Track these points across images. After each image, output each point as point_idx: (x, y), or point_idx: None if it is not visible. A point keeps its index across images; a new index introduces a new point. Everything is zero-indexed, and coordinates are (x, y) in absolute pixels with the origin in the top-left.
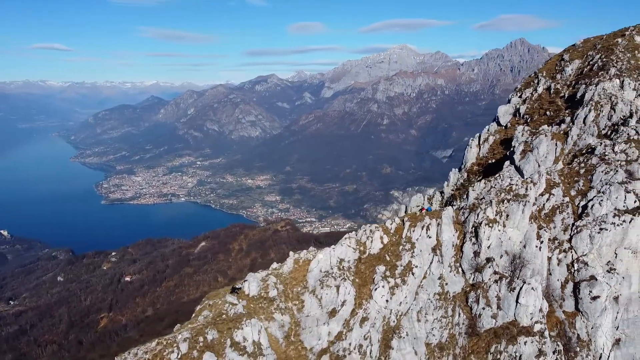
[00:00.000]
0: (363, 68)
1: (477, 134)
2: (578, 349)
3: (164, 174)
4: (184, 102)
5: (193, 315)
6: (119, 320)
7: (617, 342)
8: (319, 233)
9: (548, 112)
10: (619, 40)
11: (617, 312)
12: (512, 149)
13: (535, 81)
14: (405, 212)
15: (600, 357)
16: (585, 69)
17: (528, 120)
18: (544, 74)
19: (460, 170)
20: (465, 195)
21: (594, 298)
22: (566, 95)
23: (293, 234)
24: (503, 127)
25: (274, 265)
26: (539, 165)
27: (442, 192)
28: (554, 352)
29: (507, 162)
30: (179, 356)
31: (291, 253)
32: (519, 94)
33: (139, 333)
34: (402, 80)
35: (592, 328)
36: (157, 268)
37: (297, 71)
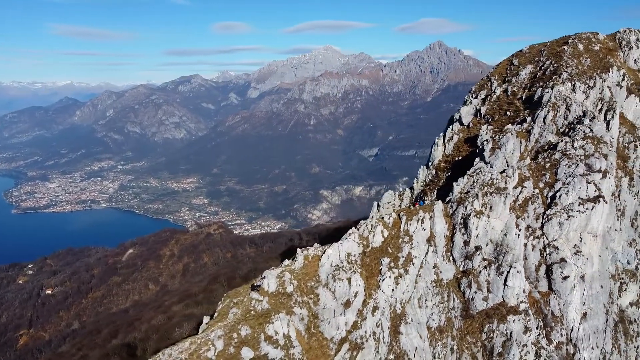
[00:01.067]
0: (289, 69)
1: (442, 133)
2: (553, 324)
3: (82, 180)
4: (102, 103)
5: (216, 314)
6: (42, 336)
7: (584, 315)
8: (253, 235)
9: (508, 113)
10: (565, 48)
11: (584, 289)
12: (481, 146)
13: (488, 84)
14: (378, 208)
15: (572, 330)
16: (539, 73)
17: (489, 120)
18: (496, 77)
19: (428, 167)
20: (435, 191)
21: (565, 278)
22: (523, 97)
23: (227, 237)
24: (466, 127)
25: (286, 262)
26: (506, 161)
27: (411, 189)
28: (537, 328)
29: (477, 159)
30: (216, 353)
31: (299, 250)
32: (474, 96)
33: (76, 347)
34: (328, 81)
35: (563, 305)
36: (81, 279)
37: (221, 71)
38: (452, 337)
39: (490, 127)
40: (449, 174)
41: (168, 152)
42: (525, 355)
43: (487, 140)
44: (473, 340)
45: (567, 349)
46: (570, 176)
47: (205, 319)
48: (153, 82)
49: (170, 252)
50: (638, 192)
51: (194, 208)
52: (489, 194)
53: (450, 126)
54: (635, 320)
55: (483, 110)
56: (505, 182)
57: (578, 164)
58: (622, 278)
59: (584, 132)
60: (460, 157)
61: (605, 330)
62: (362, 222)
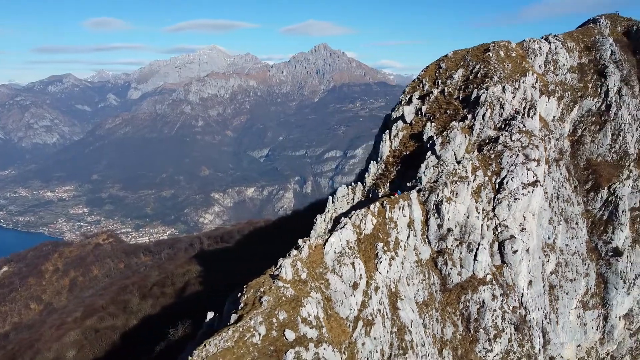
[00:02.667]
0: (172, 68)
1: (387, 131)
2: (507, 291)
3: None
4: None
5: (242, 304)
6: None
7: (530, 283)
8: (148, 243)
9: (448, 111)
10: (490, 54)
11: (529, 261)
12: (431, 141)
13: (420, 85)
14: (332, 203)
15: (522, 296)
16: (471, 76)
17: (431, 118)
18: (427, 80)
19: (377, 162)
20: (387, 183)
21: (515, 252)
22: (460, 97)
23: (118, 246)
24: (409, 125)
25: (293, 252)
26: (454, 154)
27: (363, 183)
28: (500, 295)
29: (429, 153)
30: (261, 338)
31: (300, 241)
32: (408, 96)
33: None
34: (215, 82)
35: (514, 274)
36: None
37: (97, 71)
38: (435, 309)
39: (433, 124)
40: (398, 167)
41: (39, 159)
42: (495, 319)
43: (433, 136)
44: (452, 310)
45: (519, 312)
46: (512, 165)
47: (210, 314)
48: (17, 82)
49: (54, 267)
50: (554, 178)
51: (73, 218)
52: (454, 182)
53: (395, 124)
54: (555, 285)
55: (424, 109)
56: (466, 172)
57: (518, 155)
58: (545, 251)
59: (518, 127)
60: (407, 152)
61: (544, 294)
62: (353, 212)
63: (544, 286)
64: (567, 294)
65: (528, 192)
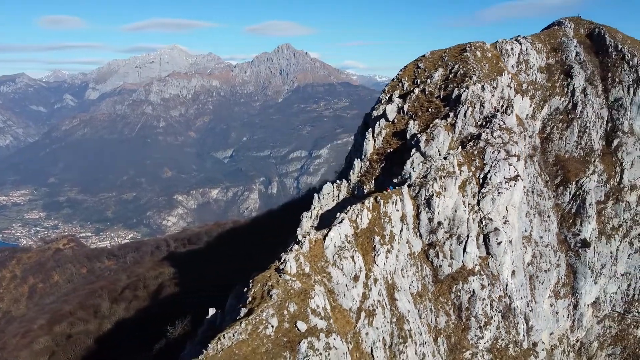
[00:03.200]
0: (132, 68)
1: (370, 129)
2: (493, 282)
3: None
4: None
5: (250, 298)
6: None
7: (513, 272)
8: (111, 246)
9: (430, 110)
10: (468, 54)
11: (512, 252)
12: (415, 138)
13: (400, 84)
14: (318, 200)
15: (506, 285)
16: (450, 76)
17: (413, 116)
18: (406, 79)
19: (362, 159)
20: (372, 180)
21: (499, 243)
22: (441, 96)
23: (80, 251)
24: (391, 123)
25: (295, 247)
26: (438, 151)
27: (347, 180)
28: (488, 285)
29: (414, 150)
30: (274, 330)
31: (299, 236)
32: (388, 95)
33: None
34: (177, 82)
35: (499, 265)
36: None
37: (53, 70)
38: (428, 299)
39: (416, 122)
40: (383, 164)
41: None
42: (485, 307)
43: (416, 133)
44: (445, 300)
45: (505, 301)
46: (495, 160)
47: (211, 311)
48: None
49: (11, 274)
50: (529, 173)
51: (29, 223)
52: (442, 177)
53: (378, 122)
54: (532, 275)
55: (406, 107)
56: (453, 167)
57: (499, 150)
58: (523, 242)
59: (498, 124)
60: (391, 150)
61: (525, 283)
62: (349, 207)
63: (525, 276)
64: (542, 284)
65: (510, 186)
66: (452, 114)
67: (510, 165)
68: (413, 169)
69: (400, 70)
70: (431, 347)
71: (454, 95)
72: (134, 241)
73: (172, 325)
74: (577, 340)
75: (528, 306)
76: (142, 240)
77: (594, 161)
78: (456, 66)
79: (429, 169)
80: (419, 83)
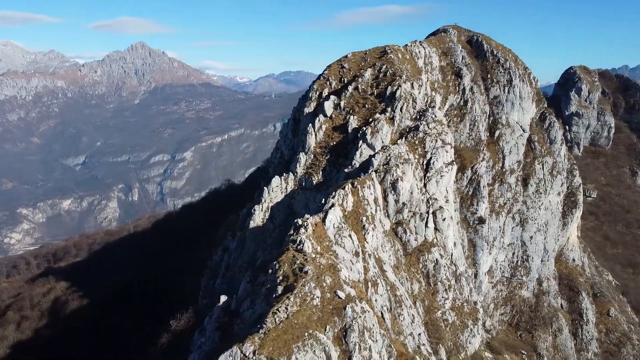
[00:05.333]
0: None
1: (309, 124)
2: (443, 252)
3: None
4: None
5: (281, 277)
6: None
7: (454, 244)
8: None
9: (367, 106)
10: (392, 56)
11: (453, 226)
12: (360, 131)
13: (327, 83)
14: (268, 193)
15: (452, 255)
16: (380, 75)
17: (350, 112)
18: (333, 78)
19: (306, 153)
20: (320, 171)
21: (444, 219)
22: (375, 93)
23: None
24: (329, 118)
25: (302, 230)
26: (382, 141)
27: (294, 173)
28: (443, 254)
29: (360, 141)
30: (319, 300)
31: (299, 221)
32: (317, 93)
33: None
34: (13, 82)
35: (445, 238)
36: None
37: None
38: (403, 270)
39: (355, 117)
40: (327, 156)
41: None
42: (446, 273)
43: (357, 127)
44: (415, 270)
45: (451, 268)
46: (434, 148)
47: (223, 298)
48: None
49: None
50: None
51: None
52: (401, 164)
53: (317, 118)
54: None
55: (342, 104)
56: (407, 155)
57: (437, 140)
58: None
59: (432, 117)
60: (334, 143)
61: (462, 253)
62: (335, 192)
63: (462, 246)
64: None
65: (448, 170)
66: (389, 109)
67: (447, 152)
68: (375, 157)
69: (325, 70)
70: (413, 309)
71: (388, 93)
72: None
73: (174, 318)
74: (476, 303)
75: (466, 272)
76: None
77: (483, 150)
78: (384, 66)
79: (389, 157)
80: (346, 82)
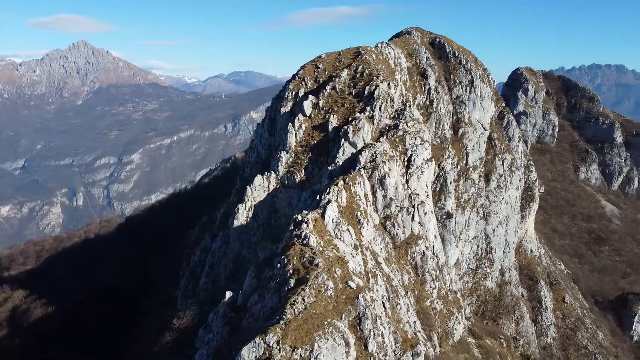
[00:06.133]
0: None
1: (289, 124)
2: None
3: None
4: None
5: (291, 270)
6: None
7: (435, 237)
8: None
9: (345, 105)
10: (366, 57)
11: (433, 220)
12: (342, 130)
13: (303, 83)
14: (251, 192)
15: (433, 247)
16: (357, 76)
17: (330, 111)
18: (308, 78)
19: (287, 152)
20: (302, 169)
21: (425, 213)
22: (353, 93)
23: None
24: (308, 118)
25: (304, 225)
26: (364, 140)
27: (276, 172)
28: (428, 246)
29: (343, 140)
30: (333, 290)
31: (299, 217)
32: (293, 93)
33: None
34: None
35: (426, 231)
36: None
37: None
38: (394, 262)
39: (334, 116)
40: (309, 155)
41: None
42: (432, 263)
43: (337, 126)
44: (404, 262)
45: (434, 259)
46: (414, 146)
47: (228, 294)
48: None
49: None
50: None
51: None
52: (387, 161)
53: (297, 117)
54: None
55: (321, 104)
56: (392, 152)
57: (416, 137)
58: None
59: (410, 115)
60: (314, 142)
61: (442, 245)
62: (329, 188)
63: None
64: None
65: (428, 166)
66: (368, 108)
67: (425, 149)
68: (361, 154)
69: (300, 70)
70: (407, 299)
71: (366, 92)
72: None
73: (177, 317)
74: None
75: (446, 263)
76: None
77: (448, 147)
78: (360, 67)
79: (375, 154)
80: (321, 82)
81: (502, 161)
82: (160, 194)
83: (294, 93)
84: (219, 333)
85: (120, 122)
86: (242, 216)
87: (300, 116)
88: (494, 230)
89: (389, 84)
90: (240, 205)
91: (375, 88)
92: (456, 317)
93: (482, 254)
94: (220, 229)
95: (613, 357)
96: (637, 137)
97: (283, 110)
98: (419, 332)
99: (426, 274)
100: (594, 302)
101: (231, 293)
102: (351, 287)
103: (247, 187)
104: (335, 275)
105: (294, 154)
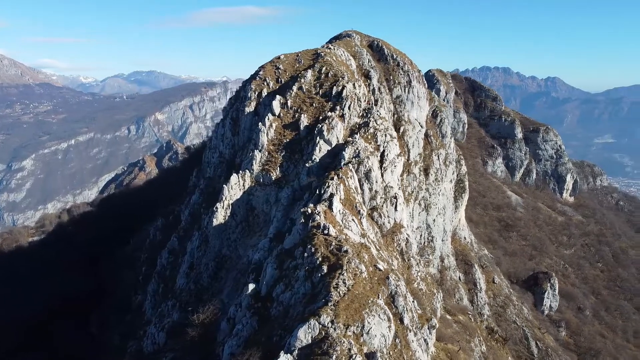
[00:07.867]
0: None
1: (260, 123)
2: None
3: None
4: None
5: (320, 259)
6: None
7: (407, 225)
8: None
9: (314, 104)
10: (328, 58)
11: (405, 210)
12: (317, 128)
13: (265, 83)
14: (228, 191)
15: (407, 236)
16: (322, 76)
17: (299, 110)
18: (269, 79)
19: (260, 151)
20: (277, 167)
21: (400, 204)
22: (320, 93)
23: None
24: (277, 117)
25: (317, 217)
26: (337, 138)
27: (250, 170)
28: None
29: (317, 137)
30: (366, 273)
31: (307, 209)
32: (256, 93)
33: None
34: None
35: (401, 220)
36: None
37: None
38: (384, 249)
39: (305, 115)
40: (283, 153)
41: None
42: (414, 249)
43: (308, 125)
44: (392, 249)
45: (413, 244)
46: (385, 142)
47: (251, 286)
48: None
49: None
50: None
51: None
52: (370, 156)
53: (267, 117)
54: None
55: (289, 103)
56: (372, 148)
57: (386, 134)
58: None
59: (377, 114)
60: (287, 140)
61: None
62: (328, 182)
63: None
64: None
65: (399, 160)
66: (338, 107)
67: (395, 145)
68: (345, 151)
69: (260, 71)
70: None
71: (334, 92)
72: None
73: (195, 312)
74: None
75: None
76: None
77: None
78: (324, 68)
79: (358, 150)
80: (283, 82)
81: (438, 156)
82: (58, 202)
83: (256, 93)
84: (248, 323)
85: (8, 125)
86: (221, 215)
87: (270, 115)
88: (434, 220)
89: (354, 84)
90: (218, 204)
91: (343, 88)
92: (437, 297)
93: (424, 242)
94: (188, 229)
95: (537, 329)
96: (534, 133)
97: (247, 110)
98: (418, 310)
99: (411, 258)
100: (510, 283)
101: (253, 284)
102: (380, 269)
103: (224, 186)
104: (365, 260)
105: (267, 153)
